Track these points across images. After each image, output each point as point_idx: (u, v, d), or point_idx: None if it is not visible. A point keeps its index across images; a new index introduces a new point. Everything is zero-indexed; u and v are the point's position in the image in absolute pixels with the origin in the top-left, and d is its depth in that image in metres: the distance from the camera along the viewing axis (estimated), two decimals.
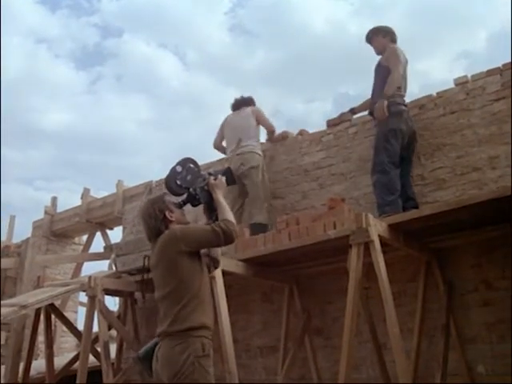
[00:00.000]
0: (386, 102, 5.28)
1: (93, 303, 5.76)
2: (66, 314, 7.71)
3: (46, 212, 10.15)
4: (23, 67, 30.24)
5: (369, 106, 5.72)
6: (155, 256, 3.07)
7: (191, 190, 3.26)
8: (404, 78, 5.55)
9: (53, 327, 7.22)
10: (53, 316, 6.90)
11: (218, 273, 4.74)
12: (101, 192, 11.16)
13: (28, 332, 6.98)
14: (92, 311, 5.77)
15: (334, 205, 5.15)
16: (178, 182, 3.27)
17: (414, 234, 4.66)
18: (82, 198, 9.66)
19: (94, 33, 37.46)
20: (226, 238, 3.02)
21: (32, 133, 31.83)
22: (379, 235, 4.16)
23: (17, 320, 8.59)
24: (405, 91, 5.55)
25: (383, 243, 4.18)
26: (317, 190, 6.27)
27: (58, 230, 10.07)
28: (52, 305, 6.61)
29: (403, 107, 5.41)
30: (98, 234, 9.86)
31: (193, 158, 3.43)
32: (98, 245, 10.31)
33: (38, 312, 6.72)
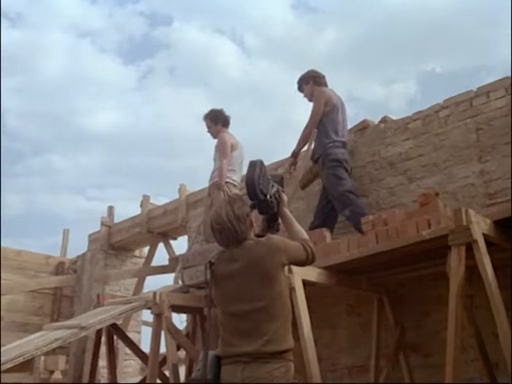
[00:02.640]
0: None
1: (159, 321, 5.84)
2: (128, 334, 7.92)
3: (102, 223, 10.46)
4: (66, 65, 31.22)
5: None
6: (239, 263, 3.05)
7: (268, 196, 3.30)
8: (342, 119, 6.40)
9: (115, 350, 7.42)
10: (114, 337, 7.10)
11: (298, 283, 4.73)
12: (161, 199, 11.44)
13: (88, 355, 7.21)
14: (158, 330, 5.87)
15: (427, 201, 5.05)
16: (260, 187, 3.30)
17: None
18: (141, 206, 9.89)
19: (140, 22, 38.15)
20: (312, 259, 3.18)
21: (80, 137, 32.71)
22: (483, 234, 4.06)
23: (76, 343, 8.92)
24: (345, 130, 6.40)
25: (488, 243, 4.08)
26: (405, 184, 6.18)
27: (117, 243, 10.36)
28: (114, 325, 6.77)
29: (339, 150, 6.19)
30: (161, 245, 10.06)
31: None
32: (160, 257, 10.54)
33: (99, 333, 6.90)
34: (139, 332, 10.33)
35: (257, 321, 2.92)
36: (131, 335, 8.54)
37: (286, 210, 3.36)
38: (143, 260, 10.58)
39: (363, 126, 6.76)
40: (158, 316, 5.86)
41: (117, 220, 10.58)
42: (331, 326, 6.20)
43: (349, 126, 6.67)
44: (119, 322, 7.48)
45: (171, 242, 9.98)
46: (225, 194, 6.46)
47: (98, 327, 6.26)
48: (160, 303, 5.81)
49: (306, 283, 4.90)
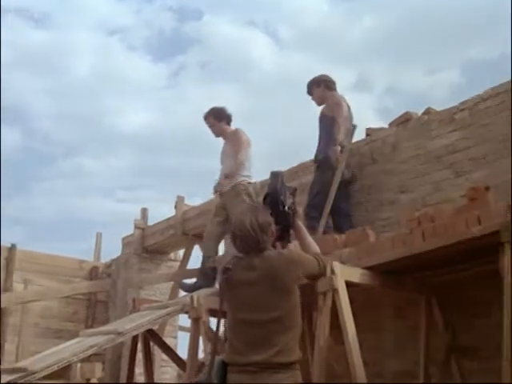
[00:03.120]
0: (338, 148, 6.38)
1: (197, 326, 5.84)
2: (165, 340, 7.89)
3: (136, 226, 10.49)
4: (95, 65, 31.30)
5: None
6: (257, 272, 3.12)
7: (286, 208, 3.38)
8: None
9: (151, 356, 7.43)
10: (151, 343, 7.11)
11: (341, 284, 4.68)
12: (195, 199, 11.39)
13: (124, 362, 7.24)
14: (196, 336, 5.86)
15: (476, 195, 4.94)
16: (281, 198, 3.40)
17: None
18: (175, 207, 9.87)
19: (169, 17, 37.96)
20: (323, 273, 3.42)
21: (110, 138, 32.87)
22: None
23: (112, 349, 8.97)
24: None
25: None
26: (452, 178, 6.04)
27: (151, 246, 10.39)
28: (151, 330, 6.79)
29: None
30: (197, 248, 9.97)
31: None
32: (196, 260, 10.41)
33: (135, 340, 6.93)
34: (176, 337, 10.32)
35: (270, 331, 3.00)
36: (167, 341, 8.54)
37: (300, 223, 3.46)
38: (178, 263, 10.58)
39: (405, 119, 6.64)
40: (196, 320, 5.86)
41: (150, 222, 10.60)
42: (376, 330, 6.08)
43: (390, 119, 6.63)
44: (155, 328, 7.50)
45: None
46: (242, 194, 6.60)
47: (135, 333, 6.29)
48: (197, 307, 5.82)
49: (348, 284, 4.84)
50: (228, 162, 7.00)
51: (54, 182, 31.95)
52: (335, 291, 4.63)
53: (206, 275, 6.83)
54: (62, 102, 31.36)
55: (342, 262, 5.03)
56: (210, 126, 7.28)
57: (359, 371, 4.57)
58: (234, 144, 7.00)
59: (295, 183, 6.84)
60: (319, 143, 6.72)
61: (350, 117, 6.73)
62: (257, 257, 3.15)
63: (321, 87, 6.84)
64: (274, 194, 3.38)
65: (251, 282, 3.11)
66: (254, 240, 3.16)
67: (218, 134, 7.29)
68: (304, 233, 3.43)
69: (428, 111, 6.54)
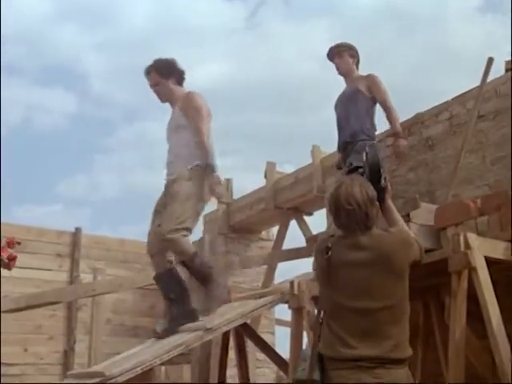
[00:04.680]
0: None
1: (299, 318, 5.83)
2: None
3: (219, 201, 10.49)
4: (154, 11, 31.18)
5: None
6: (366, 253, 3.19)
7: (383, 182, 3.75)
8: None
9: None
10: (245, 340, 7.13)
11: (479, 262, 4.54)
12: (286, 166, 11.28)
13: (214, 363, 7.26)
14: (299, 329, 5.84)
15: None
16: (382, 171, 3.88)
17: None
18: (265, 176, 9.86)
19: None
20: (422, 260, 3.44)
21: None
22: None
23: (199, 348, 9.04)
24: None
25: None
26: None
27: (238, 224, 10.43)
28: (244, 325, 6.79)
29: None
30: (293, 223, 9.99)
31: None
32: (293, 238, 10.29)
33: (226, 336, 6.97)
34: (273, 333, 10.34)
35: (381, 321, 3.09)
36: (264, 337, 8.56)
37: (389, 199, 3.69)
38: (272, 243, 10.55)
39: None
40: (298, 311, 5.86)
41: (236, 196, 10.62)
42: None
43: None
44: (249, 322, 7.50)
45: (305, 218, 9.90)
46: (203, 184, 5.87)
47: (226, 329, 6.27)
48: (299, 295, 5.81)
49: (489, 262, 4.70)
50: (172, 148, 6.19)
51: (115, 154, 32.18)
52: (472, 270, 4.53)
53: None
54: (119, 58, 31.32)
55: (479, 234, 4.88)
56: (152, 86, 6.33)
57: (507, 367, 4.42)
58: (191, 112, 6.06)
59: (412, 139, 6.71)
60: (341, 127, 6.64)
61: None
62: (363, 235, 3.24)
63: (355, 58, 6.84)
64: (378, 167, 3.51)
65: (358, 264, 3.18)
66: (363, 215, 3.25)
67: (164, 97, 6.35)
68: (392, 209, 3.66)
69: None
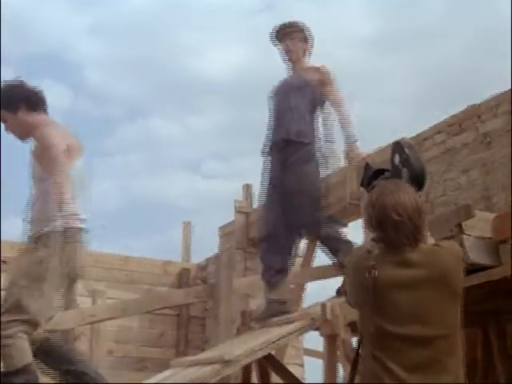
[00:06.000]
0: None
1: (333, 347, 5.81)
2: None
3: (237, 210, 10.44)
4: None
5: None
6: (417, 271, 3.15)
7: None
8: None
9: None
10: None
11: None
12: None
13: None
14: (333, 360, 5.82)
15: None
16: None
17: None
18: None
19: None
20: None
21: (187, 89, 31.75)
22: None
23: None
24: None
25: None
26: None
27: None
28: (269, 356, 6.77)
29: None
30: None
31: None
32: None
33: (247, 369, 6.94)
34: (301, 365, 10.27)
35: (438, 352, 3.04)
36: (291, 370, 8.53)
37: None
38: (301, 259, 10.49)
39: None
40: (332, 339, 5.84)
41: (257, 204, 10.54)
42: None
43: None
44: (273, 352, 7.48)
45: None
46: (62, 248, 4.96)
47: (247, 361, 6.25)
48: (333, 320, 5.80)
49: None
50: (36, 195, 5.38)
51: (117, 156, 31.98)
52: None
53: None
54: (117, 45, 31.02)
55: None
56: (3, 123, 5.51)
57: None
58: (44, 160, 5.20)
59: (467, 136, 6.68)
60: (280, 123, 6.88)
61: None
62: (413, 250, 3.17)
63: (308, 42, 7.02)
64: (422, 172, 3.61)
65: (409, 284, 3.13)
66: (413, 227, 3.19)
67: (21, 134, 5.50)
68: None
69: None
